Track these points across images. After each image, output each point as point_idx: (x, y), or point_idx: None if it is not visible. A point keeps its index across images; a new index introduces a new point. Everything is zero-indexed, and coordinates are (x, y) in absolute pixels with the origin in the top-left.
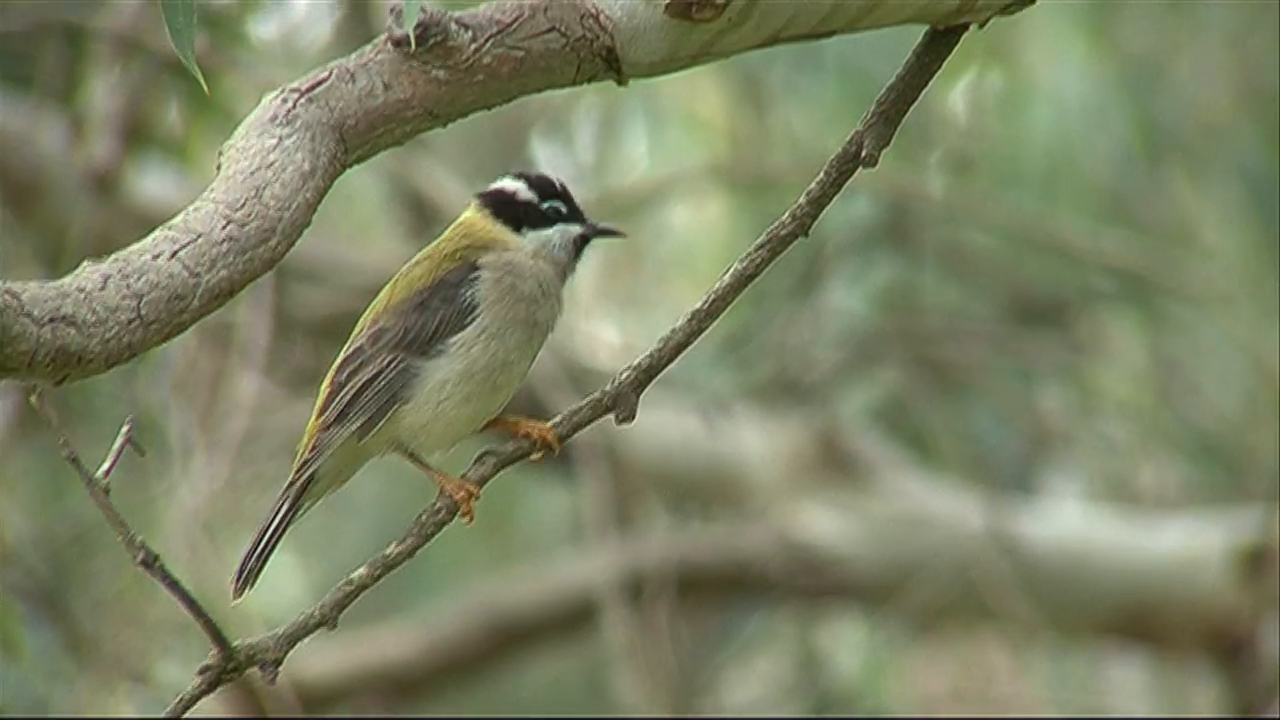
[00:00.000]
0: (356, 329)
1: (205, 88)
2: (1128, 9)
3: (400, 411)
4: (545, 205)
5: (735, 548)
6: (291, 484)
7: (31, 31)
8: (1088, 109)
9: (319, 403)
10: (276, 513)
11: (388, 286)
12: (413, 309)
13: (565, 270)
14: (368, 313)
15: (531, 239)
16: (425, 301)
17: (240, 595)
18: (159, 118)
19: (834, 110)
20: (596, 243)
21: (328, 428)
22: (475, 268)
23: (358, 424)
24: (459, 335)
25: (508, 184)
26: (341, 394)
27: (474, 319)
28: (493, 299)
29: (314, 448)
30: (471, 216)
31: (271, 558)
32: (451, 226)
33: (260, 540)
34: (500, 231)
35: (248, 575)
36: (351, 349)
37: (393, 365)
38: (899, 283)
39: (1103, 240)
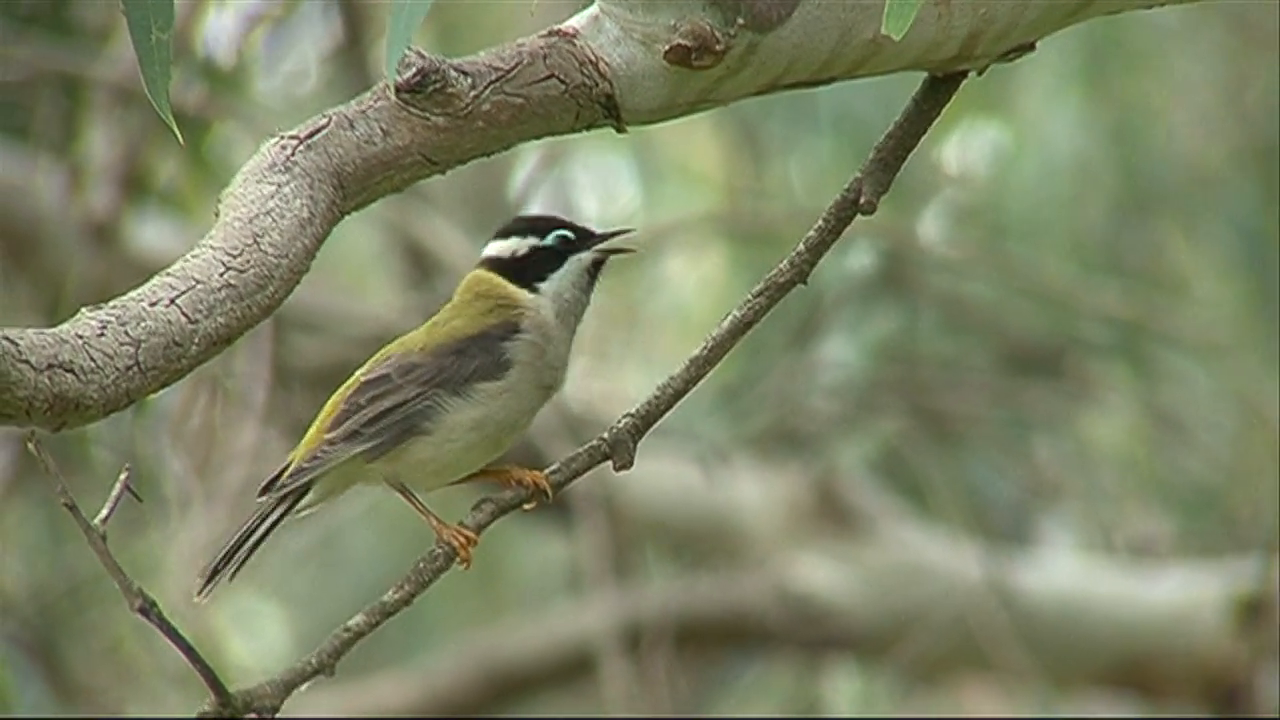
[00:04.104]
0: (369, 363)
1: (180, 138)
2: (1124, 60)
3: (413, 444)
4: (550, 238)
5: (733, 598)
6: (285, 490)
7: (28, 81)
8: (1081, 159)
9: (325, 418)
10: (264, 517)
11: (424, 329)
12: (450, 352)
13: (581, 312)
14: (383, 352)
15: (548, 292)
16: (465, 349)
17: (204, 594)
18: (157, 167)
19: (829, 163)
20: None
21: (333, 443)
22: (517, 329)
23: (370, 444)
24: (489, 384)
25: (503, 246)
26: (359, 415)
27: (506, 375)
28: (525, 360)
29: (314, 457)
30: (483, 276)
31: (245, 567)
32: (463, 288)
33: (241, 542)
34: (516, 292)
35: (217, 576)
36: (375, 375)
37: (420, 398)
38: (896, 333)
39: (1098, 289)
